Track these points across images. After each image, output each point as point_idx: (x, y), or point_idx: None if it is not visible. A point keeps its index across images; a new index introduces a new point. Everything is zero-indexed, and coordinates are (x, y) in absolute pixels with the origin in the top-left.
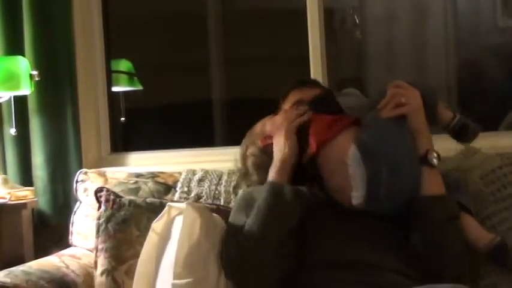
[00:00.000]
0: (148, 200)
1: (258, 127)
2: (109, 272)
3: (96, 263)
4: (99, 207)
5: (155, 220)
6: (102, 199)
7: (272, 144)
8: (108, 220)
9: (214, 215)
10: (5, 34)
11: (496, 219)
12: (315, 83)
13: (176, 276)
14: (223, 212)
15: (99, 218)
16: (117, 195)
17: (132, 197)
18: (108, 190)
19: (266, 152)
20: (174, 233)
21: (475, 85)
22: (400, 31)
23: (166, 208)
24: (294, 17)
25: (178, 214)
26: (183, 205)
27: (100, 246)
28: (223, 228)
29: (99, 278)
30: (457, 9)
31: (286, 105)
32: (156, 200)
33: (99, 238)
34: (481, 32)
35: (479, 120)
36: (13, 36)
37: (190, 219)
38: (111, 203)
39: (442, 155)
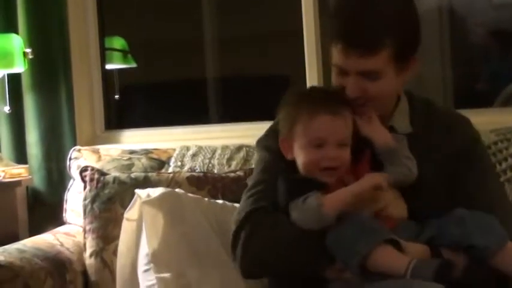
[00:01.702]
0: (133, 175)
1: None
2: (97, 253)
3: (85, 244)
4: (84, 187)
5: (127, 209)
6: (87, 178)
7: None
8: (93, 200)
9: (187, 196)
10: None
11: None
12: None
13: (155, 271)
14: (210, 179)
15: (85, 199)
16: (102, 173)
17: (117, 174)
18: (92, 169)
19: None
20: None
21: (469, 62)
22: None
23: (135, 196)
24: None
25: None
26: (147, 193)
27: (87, 228)
28: (200, 205)
29: (88, 260)
30: None
31: None
32: (141, 174)
33: (86, 219)
34: (476, 8)
35: (475, 97)
36: (6, 13)
37: (151, 217)
38: (95, 182)
39: None
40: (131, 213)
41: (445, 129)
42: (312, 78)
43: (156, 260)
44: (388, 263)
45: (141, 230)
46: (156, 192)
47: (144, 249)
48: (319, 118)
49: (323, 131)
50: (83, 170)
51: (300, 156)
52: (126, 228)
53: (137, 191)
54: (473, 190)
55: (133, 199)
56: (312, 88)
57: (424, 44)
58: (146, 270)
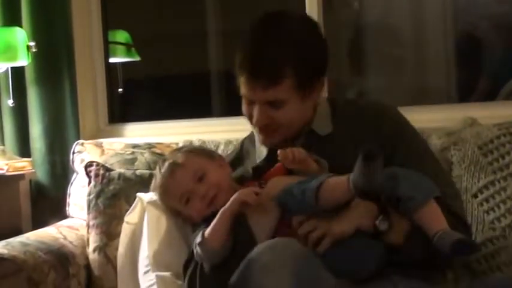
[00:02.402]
0: (138, 172)
1: None
2: (101, 249)
3: (88, 239)
4: (89, 182)
5: (127, 213)
6: (92, 174)
7: None
8: (97, 196)
9: None
10: (2, 5)
11: (494, 189)
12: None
13: (155, 270)
14: None
15: (89, 194)
16: (107, 169)
17: (122, 170)
18: (98, 164)
19: None
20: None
21: (473, 55)
22: (398, 2)
23: (137, 199)
24: None
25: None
26: (151, 196)
27: (91, 223)
28: None
29: (91, 255)
30: None
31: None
32: (146, 172)
33: (90, 214)
34: (480, 2)
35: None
36: (10, 7)
37: (155, 217)
38: (100, 177)
39: (440, 125)
40: (131, 216)
41: (370, 123)
42: None
43: (156, 259)
44: (335, 188)
45: (141, 233)
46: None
47: (145, 252)
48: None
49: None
50: (88, 165)
51: None
52: (126, 231)
53: (139, 194)
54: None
55: (135, 202)
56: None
57: (428, 37)
58: (146, 272)
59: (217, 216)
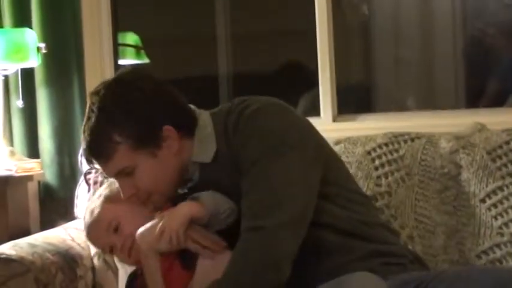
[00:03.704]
0: None
1: None
2: (100, 255)
3: (89, 246)
4: (88, 189)
5: None
6: (91, 182)
7: None
8: None
9: None
10: (13, 6)
11: (502, 194)
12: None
13: None
14: None
15: (88, 201)
16: (105, 176)
17: None
18: (96, 171)
19: None
20: None
21: (481, 61)
22: (407, 7)
23: None
24: None
25: None
26: None
27: None
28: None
29: (94, 260)
30: None
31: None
32: None
33: None
34: (488, 8)
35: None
36: (20, 8)
37: None
38: (99, 184)
39: (449, 130)
40: None
41: (232, 137)
42: (325, 75)
43: None
44: None
45: None
46: None
47: None
48: None
49: None
50: (87, 173)
51: None
52: None
53: None
54: (249, 184)
55: None
56: None
57: (437, 44)
58: None
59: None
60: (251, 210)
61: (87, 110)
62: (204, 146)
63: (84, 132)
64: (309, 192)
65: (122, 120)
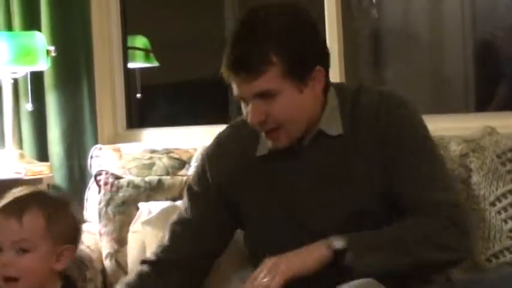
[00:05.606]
0: (147, 178)
1: None
2: (112, 256)
3: (99, 249)
4: (99, 191)
5: (131, 224)
6: (101, 183)
7: None
8: (107, 203)
9: None
10: (22, 9)
11: None
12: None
13: None
14: None
15: (99, 203)
16: (116, 177)
17: (131, 177)
18: (107, 172)
19: None
20: None
21: (491, 65)
22: (417, 10)
23: (139, 211)
24: None
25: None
26: (152, 206)
27: (102, 230)
28: None
29: (105, 262)
30: None
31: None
32: (155, 178)
33: (101, 222)
34: (498, 11)
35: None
36: (30, 11)
37: (151, 237)
38: (109, 185)
39: (458, 134)
40: (135, 227)
41: (370, 123)
42: (334, 72)
43: None
44: None
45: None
46: (157, 207)
47: None
48: None
49: None
50: (98, 174)
51: None
52: (131, 240)
53: (140, 205)
54: (405, 172)
55: (137, 214)
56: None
57: (447, 47)
58: None
59: None
60: (434, 182)
61: (241, 24)
62: (330, 117)
63: (236, 43)
64: None
65: (285, 42)
